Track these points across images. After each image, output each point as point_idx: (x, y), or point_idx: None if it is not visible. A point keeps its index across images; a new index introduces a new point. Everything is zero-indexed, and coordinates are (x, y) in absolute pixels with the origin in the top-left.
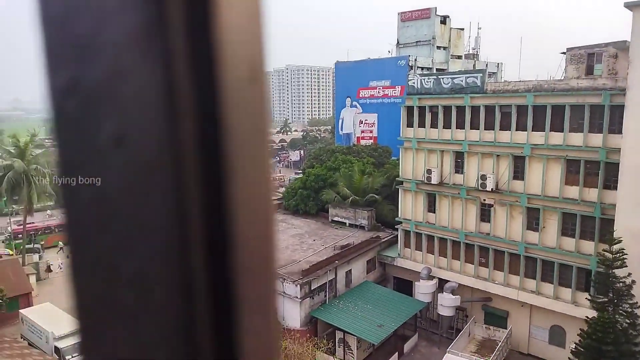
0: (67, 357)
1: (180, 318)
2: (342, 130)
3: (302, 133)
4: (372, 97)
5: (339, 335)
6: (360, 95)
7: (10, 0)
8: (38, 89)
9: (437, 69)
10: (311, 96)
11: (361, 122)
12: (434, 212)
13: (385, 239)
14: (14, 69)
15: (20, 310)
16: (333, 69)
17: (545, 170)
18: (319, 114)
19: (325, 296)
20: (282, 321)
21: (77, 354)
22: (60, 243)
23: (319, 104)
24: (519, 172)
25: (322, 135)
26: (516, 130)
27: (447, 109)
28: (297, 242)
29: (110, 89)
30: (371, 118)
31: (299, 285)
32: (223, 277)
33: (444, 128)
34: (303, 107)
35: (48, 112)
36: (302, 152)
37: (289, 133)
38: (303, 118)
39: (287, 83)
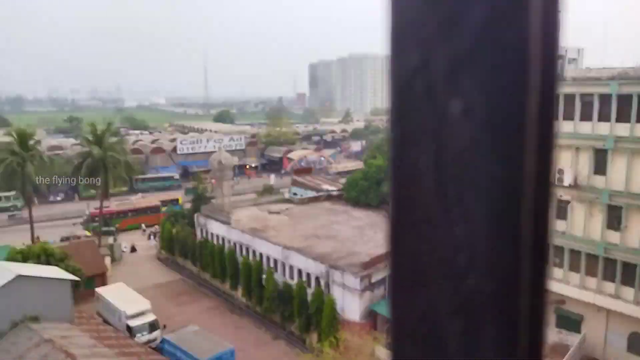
0: (137, 335)
1: (506, 281)
2: None
3: (364, 123)
4: None
5: None
6: None
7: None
8: (114, 80)
9: None
10: (374, 85)
11: None
12: None
13: None
14: (91, 61)
15: (96, 289)
16: None
17: (630, 164)
18: (382, 104)
19: (386, 290)
20: (341, 313)
21: (146, 332)
22: (143, 225)
23: (382, 93)
24: (600, 167)
25: (384, 126)
26: (598, 121)
27: None
28: (357, 233)
29: (466, 64)
30: None
31: (359, 277)
32: (541, 244)
33: None
34: (365, 97)
35: (392, 88)
36: (363, 142)
37: (350, 123)
38: (365, 108)
39: (350, 72)
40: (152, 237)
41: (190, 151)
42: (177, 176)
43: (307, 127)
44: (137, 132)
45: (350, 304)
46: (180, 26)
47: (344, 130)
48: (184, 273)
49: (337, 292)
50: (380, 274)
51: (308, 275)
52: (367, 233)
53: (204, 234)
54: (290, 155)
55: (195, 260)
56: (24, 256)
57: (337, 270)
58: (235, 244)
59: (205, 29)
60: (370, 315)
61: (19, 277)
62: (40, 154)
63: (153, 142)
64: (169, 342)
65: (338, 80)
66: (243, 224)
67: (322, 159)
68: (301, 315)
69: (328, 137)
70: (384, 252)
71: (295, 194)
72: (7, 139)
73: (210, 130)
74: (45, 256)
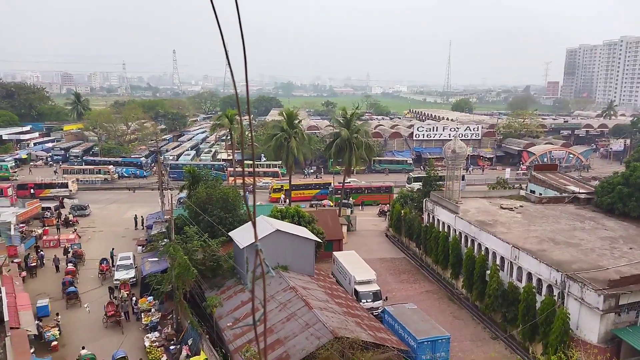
0: (362, 300)
1: None
2: None
3: (631, 118)
4: None
5: None
6: None
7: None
8: (364, 70)
9: None
10: None
11: None
12: None
13: None
14: (346, 53)
15: (333, 252)
16: None
17: None
18: None
19: (637, 317)
20: (574, 329)
21: (370, 300)
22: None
23: None
24: None
25: None
26: None
27: None
28: (606, 246)
29: None
30: None
31: (602, 296)
32: None
33: None
34: (637, 87)
35: None
36: (627, 141)
37: (612, 117)
38: (636, 100)
39: (619, 58)
40: (382, 214)
41: (426, 138)
42: (410, 161)
43: (556, 119)
44: (379, 117)
45: (588, 323)
46: (425, 20)
47: (602, 126)
48: (407, 253)
49: (572, 306)
50: (635, 297)
51: (539, 281)
52: (620, 247)
53: (431, 219)
54: (531, 149)
55: (420, 243)
56: (282, 215)
57: (575, 283)
58: (460, 234)
59: (448, 22)
60: (613, 341)
61: (277, 231)
62: (302, 132)
63: (392, 127)
64: (389, 314)
65: (602, 67)
66: (471, 215)
67: (571, 156)
68: (526, 322)
69: (581, 132)
70: None
71: (533, 191)
72: (279, 117)
73: (447, 119)
74: (297, 217)
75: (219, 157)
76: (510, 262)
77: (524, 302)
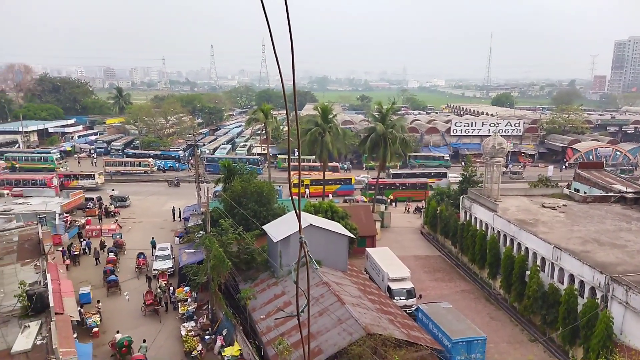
0: (395, 298)
1: None
2: None
3: None
4: None
5: None
6: None
7: None
8: (401, 63)
9: None
10: None
11: None
12: None
13: None
14: (382, 48)
15: (366, 248)
16: None
17: None
18: None
19: None
20: (618, 334)
21: (404, 297)
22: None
23: None
24: None
25: None
26: None
27: None
28: None
29: None
30: None
31: None
32: None
33: None
34: None
35: None
36: None
37: None
38: None
39: None
40: (415, 211)
41: (464, 133)
42: (447, 157)
43: (603, 115)
44: (415, 112)
45: (633, 328)
46: (463, 13)
47: None
48: (442, 251)
49: (616, 310)
50: None
51: (581, 283)
52: None
53: (468, 217)
54: (576, 145)
55: (456, 241)
56: (315, 209)
57: (620, 285)
58: (498, 232)
59: (492, 14)
60: None
61: (311, 226)
62: (336, 127)
63: (429, 122)
64: (423, 312)
65: None
66: (510, 214)
67: (618, 153)
68: (567, 325)
69: (629, 129)
70: None
71: (577, 190)
72: (313, 112)
73: (486, 114)
74: (331, 212)
75: (253, 151)
76: (552, 263)
77: (564, 305)
